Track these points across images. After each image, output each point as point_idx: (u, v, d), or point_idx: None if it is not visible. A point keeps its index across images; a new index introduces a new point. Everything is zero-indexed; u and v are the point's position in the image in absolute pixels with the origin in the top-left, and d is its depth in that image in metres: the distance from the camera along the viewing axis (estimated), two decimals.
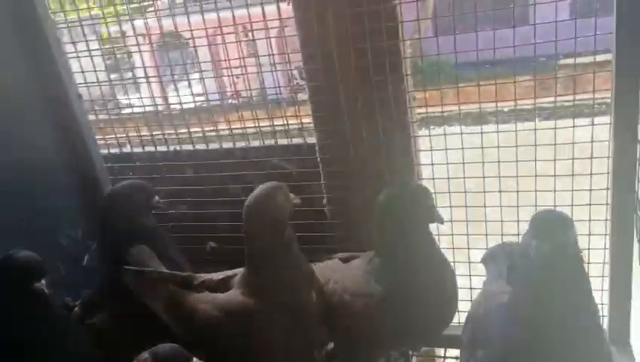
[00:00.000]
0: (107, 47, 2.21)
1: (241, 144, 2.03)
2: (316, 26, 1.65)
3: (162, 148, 2.12)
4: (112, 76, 2.21)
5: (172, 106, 2.20)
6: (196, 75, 2.01)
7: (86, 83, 2.06)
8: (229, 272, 1.57)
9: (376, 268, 1.50)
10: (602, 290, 1.69)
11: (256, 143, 2.01)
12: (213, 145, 2.06)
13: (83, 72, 2.04)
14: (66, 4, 2.04)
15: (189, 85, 2.05)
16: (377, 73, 1.66)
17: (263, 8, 1.78)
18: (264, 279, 1.47)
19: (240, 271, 1.55)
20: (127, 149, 2.18)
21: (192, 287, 1.54)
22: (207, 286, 1.55)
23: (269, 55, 1.83)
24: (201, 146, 2.08)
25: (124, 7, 2.09)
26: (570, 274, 1.17)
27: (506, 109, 1.73)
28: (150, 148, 2.14)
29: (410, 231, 1.44)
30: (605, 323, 1.73)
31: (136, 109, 2.14)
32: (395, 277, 1.45)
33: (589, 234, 1.60)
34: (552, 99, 1.59)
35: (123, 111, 2.22)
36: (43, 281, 1.38)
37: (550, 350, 1.15)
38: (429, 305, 1.42)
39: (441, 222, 1.46)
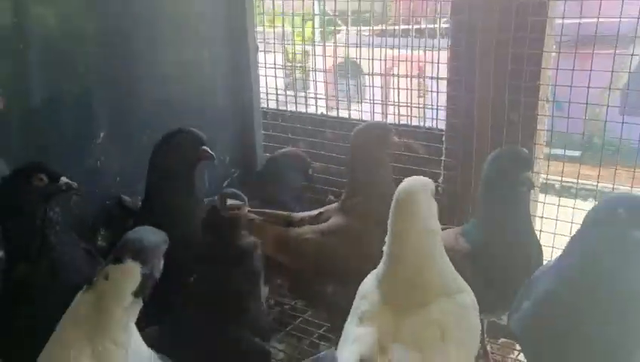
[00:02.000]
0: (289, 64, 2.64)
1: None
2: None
3: (311, 110, 2.44)
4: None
5: None
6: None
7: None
8: (321, 209, 1.83)
9: (468, 228, 1.63)
10: None
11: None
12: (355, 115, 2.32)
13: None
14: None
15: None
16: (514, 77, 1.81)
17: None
18: (357, 200, 1.71)
19: (328, 207, 1.81)
20: (283, 107, 2.54)
21: (293, 224, 1.79)
22: (306, 221, 1.79)
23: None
24: (343, 114, 2.35)
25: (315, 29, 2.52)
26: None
27: None
28: (301, 109, 2.47)
29: (506, 191, 1.54)
30: None
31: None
32: (483, 236, 1.57)
33: None
34: None
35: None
36: None
37: (588, 321, 1.19)
38: (511, 266, 1.51)
39: (532, 186, 1.53)
